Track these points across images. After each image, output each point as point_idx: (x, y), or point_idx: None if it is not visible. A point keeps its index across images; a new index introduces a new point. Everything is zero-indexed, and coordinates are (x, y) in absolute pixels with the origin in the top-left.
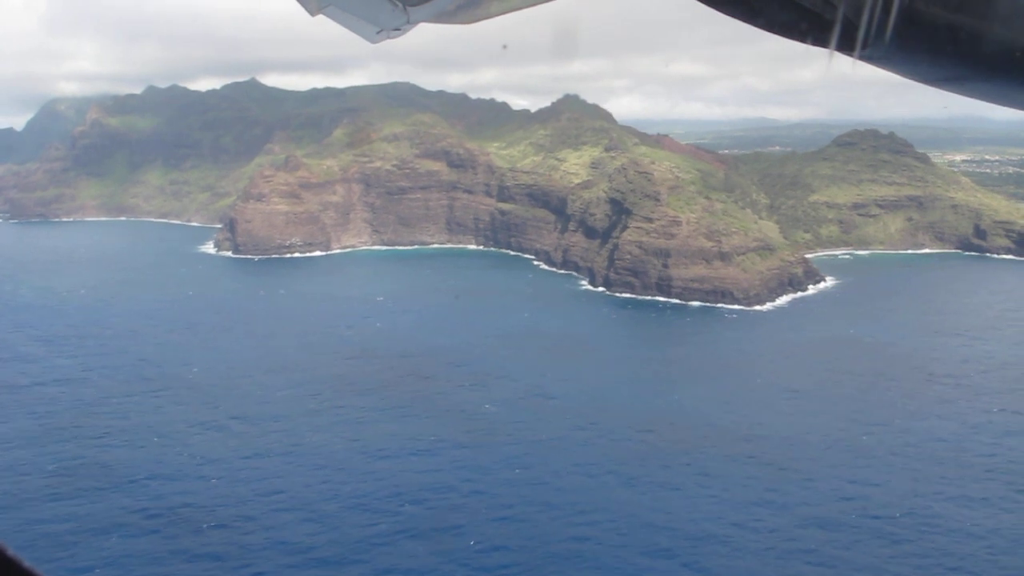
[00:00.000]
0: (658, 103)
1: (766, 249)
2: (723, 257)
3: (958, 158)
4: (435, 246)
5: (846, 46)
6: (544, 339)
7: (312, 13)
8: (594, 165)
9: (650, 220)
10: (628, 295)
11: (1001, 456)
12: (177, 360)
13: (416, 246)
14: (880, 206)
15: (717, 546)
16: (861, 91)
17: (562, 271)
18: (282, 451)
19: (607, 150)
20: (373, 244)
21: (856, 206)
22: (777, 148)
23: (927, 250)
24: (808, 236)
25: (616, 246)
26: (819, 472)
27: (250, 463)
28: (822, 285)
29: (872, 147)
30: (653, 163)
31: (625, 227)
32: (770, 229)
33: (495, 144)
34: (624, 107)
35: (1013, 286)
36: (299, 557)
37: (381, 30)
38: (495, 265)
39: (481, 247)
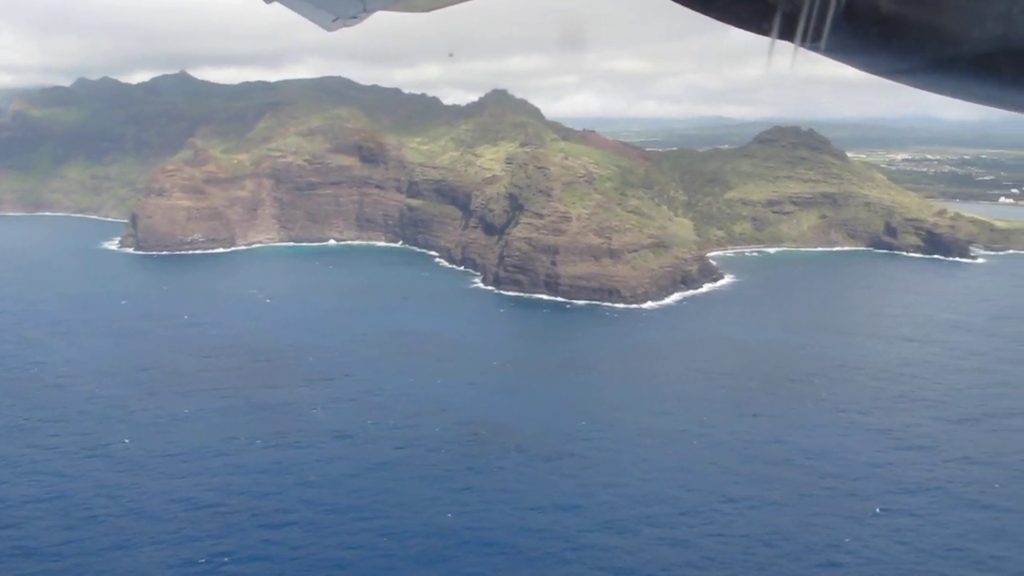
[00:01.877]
0: (613, 101)
1: (661, 246)
2: (612, 254)
3: (899, 156)
4: (343, 243)
5: (799, 37)
6: (410, 339)
7: (267, 0)
8: (509, 161)
9: (541, 216)
10: (516, 293)
11: (815, 461)
12: (24, 359)
13: (325, 242)
14: (795, 203)
15: (490, 555)
16: (816, 90)
17: (460, 268)
18: (76, 451)
19: (523, 145)
20: (280, 240)
21: (771, 203)
22: (727, 146)
23: (839, 248)
24: (721, 233)
25: (507, 243)
26: (632, 473)
27: (38, 465)
28: (718, 283)
29: (791, 144)
30: (567, 159)
31: (517, 223)
32: (684, 226)
33: (417, 139)
34: (579, 105)
35: (912, 284)
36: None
37: (337, 18)
38: (396, 262)
39: (390, 244)
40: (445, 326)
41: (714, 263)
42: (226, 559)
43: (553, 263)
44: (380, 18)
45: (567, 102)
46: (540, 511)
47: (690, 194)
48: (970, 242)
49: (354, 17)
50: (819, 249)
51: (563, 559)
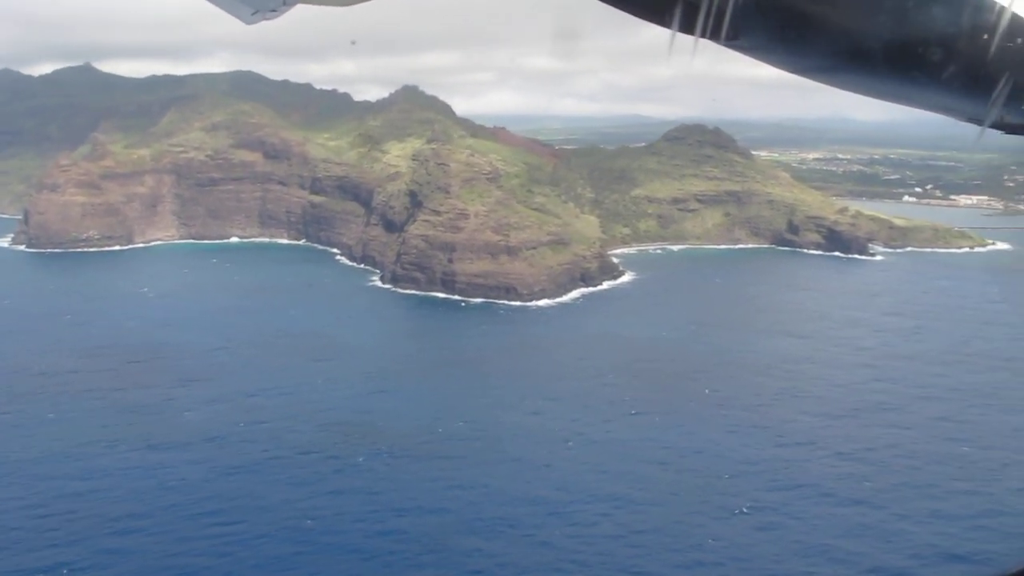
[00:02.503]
0: (533, 99)
1: (560, 244)
2: (510, 252)
3: (811, 156)
4: (246, 240)
5: (699, 29)
6: (297, 339)
7: None
8: (414, 158)
9: (438, 213)
10: (413, 291)
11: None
12: None
13: (227, 240)
14: (700, 201)
15: (345, 560)
16: (733, 89)
17: (361, 266)
18: None
19: (429, 142)
20: (181, 238)
21: (676, 200)
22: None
23: (742, 245)
24: (627, 230)
25: (404, 240)
26: (502, 474)
27: None
28: (618, 281)
29: (698, 142)
30: (473, 155)
31: (416, 221)
32: (590, 223)
33: (325, 135)
34: (498, 103)
35: (808, 281)
36: None
37: (256, 11)
38: (295, 260)
39: (293, 241)
40: (335, 325)
41: (616, 260)
42: (65, 571)
43: (450, 261)
44: (297, 12)
45: (486, 99)
46: (403, 514)
47: (597, 191)
48: (870, 239)
49: (274, 11)
50: (723, 247)
51: (419, 563)
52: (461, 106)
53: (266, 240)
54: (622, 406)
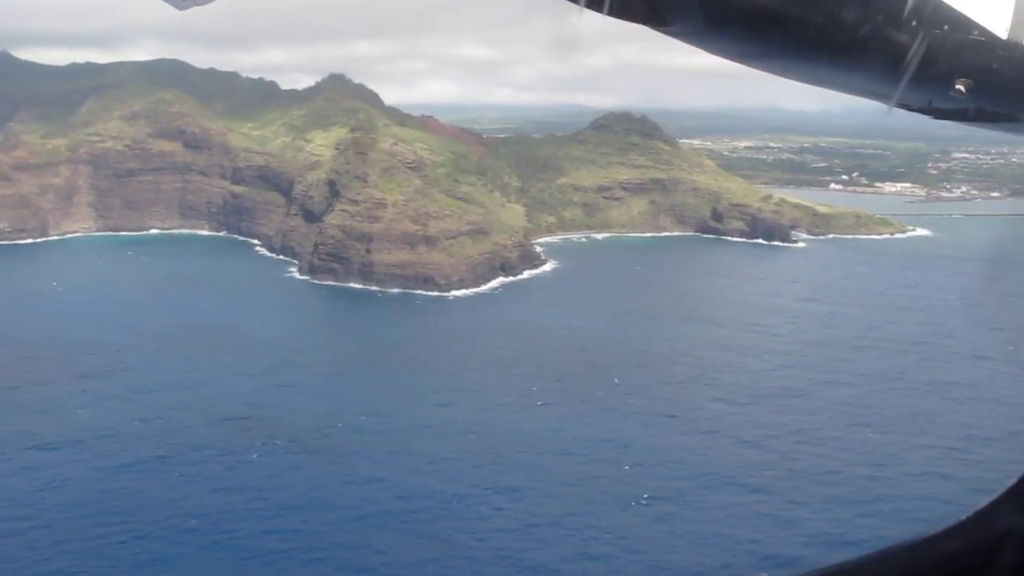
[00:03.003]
0: (470, 88)
1: (480, 233)
2: (428, 241)
3: (743, 144)
4: (165, 232)
5: (647, 18)
6: (204, 332)
7: None
8: (338, 147)
9: (356, 203)
10: (330, 282)
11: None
12: None
13: (146, 232)
14: (625, 189)
15: (227, 559)
16: (670, 78)
17: (280, 257)
18: None
19: (353, 131)
20: (97, 230)
21: (602, 189)
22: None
23: (667, 233)
24: (552, 219)
25: (321, 231)
26: (400, 467)
27: None
28: (539, 270)
29: (625, 130)
30: (396, 144)
31: (333, 211)
32: (516, 212)
33: (250, 124)
34: (435, 92)
35: (729, 268)
36: None
37: None
38: (213, 252)
39: (214, 232)
40: (245, 318)
41: (539, 249)
42: None
43: (367, 251)
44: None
45: (422, 89)
46: (292, 511)
47: (524, 180)
48: (793, 227)
49: None
50: (648, 234)
51: (306, 560)
52: (396, 96)
53: (187, 232)
54: (530, 396)
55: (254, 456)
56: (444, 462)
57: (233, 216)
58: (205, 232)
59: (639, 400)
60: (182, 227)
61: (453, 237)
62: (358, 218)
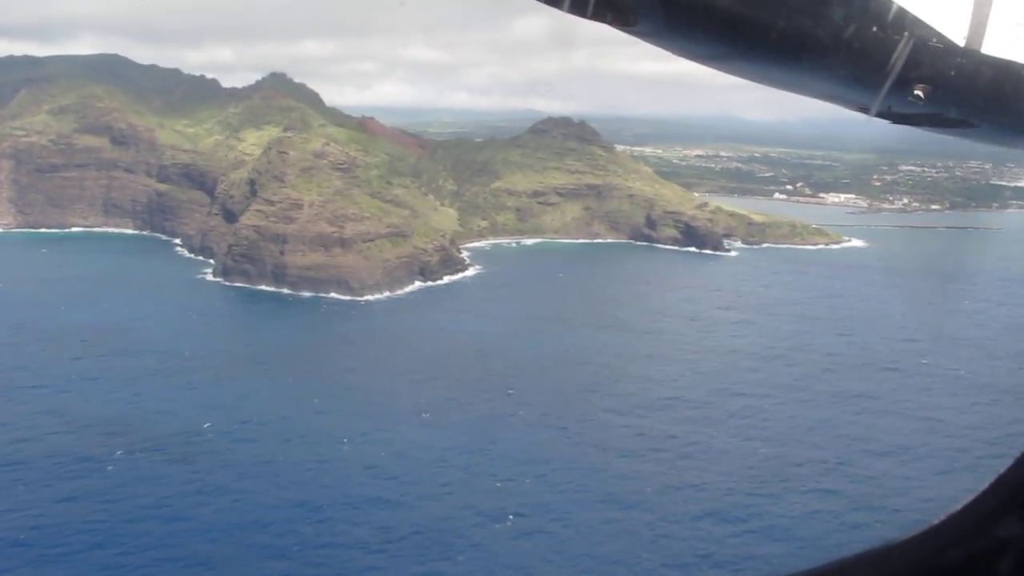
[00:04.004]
0: (426, 92)
1: (400, 236)
2: (344, 244)
3: (694, 152)
4: (88, 229)
5: (611, 18)
6: (96, 335)
7: None
8: (270, 146)
9: (271, 203)
10: (243, 284)
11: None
12: None
13: (68, 229)
14: (560, 194)
15: None
16: (628, 85)
17: (199, 257)
18: None
19: (285, 130)
20: (17, 226)
21: (536, 194)
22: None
23: (600, 239)
24: (485, 223)
25: (236, 231)
26: (257, 479)
27: None
28: (461, 275)
29: (563, 135)
30: (328, 145)
31: (249, 211)
32: (448, 216)
33: (184, 121)
34: (389, 95)
35: (656, 275)
36: None
37: None
38: (132, 251)
39: (137, 231)
40: (144, 320)
41: (466, 254)
42: None
43: (281, 253)
44: None
45: (377, 91)
46: (137, 522)
47: (459, 183)
48: (728, 235)
49: None
50: (580, 241)
51: None
52: (352, 98)
53: (111, 230)
54: (417, 406)
55: (109, 468)
56: (311, 472)
57: (157, 215)
58: (129, 231)
59: (529, 412)
60: (106, 225)
61: (371, 240)
62: (273, 219)
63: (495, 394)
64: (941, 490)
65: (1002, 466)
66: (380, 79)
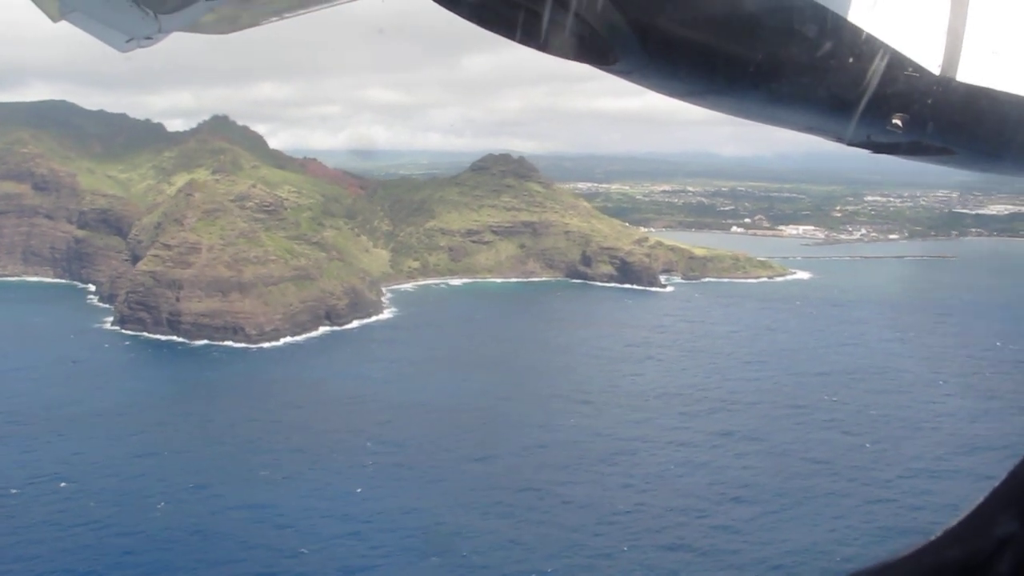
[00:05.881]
0: (399, 133)
1: (306, 279)
2: (242, 288)
3: (660, 188)
4: (4, 278)
5: (597, 59)
6: None
7: (54, 19)
8: (181, 189)
9: (168, 247)
10: (139, 332)
11: None
12: None
13: None
14: (495, 232)
15: None
16: (606, 123)
17: (107, 305)
18: None
19: (214, 173)
20: None
21: (470, 232)
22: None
23: (535, 278)
24: (416, 264)
25: (133, 278)
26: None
27: None
28: (373, 319)
29: (501, 172)
30: (255, 187)
31: (146, 256)
32: (380, 257)
33: (120, 166)
34: (363, 137)
35: (579, 315)
36: None
37: (131, 39)
38: (41, 299)
39: (56, 279)
40: (19, 371)
41: (386, 296)
42: None
43: (177, 299)
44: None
45: (349, 133)
46: None
47: (395, 224)
48: (668, 270)
49: (149, 38)
50: (513, 280)
51: None
52: (323, 141)
53: (30, 279)
54: (259, 461)
55: None
56: (107, 528)
57: (75, 262)
58: (49, 279)
59: (383, 466)
60: (25, 273)
61: (274, 283)
62: (169, 263)
63: (351, 448)
64: (800, 542)
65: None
66: (349, 121)
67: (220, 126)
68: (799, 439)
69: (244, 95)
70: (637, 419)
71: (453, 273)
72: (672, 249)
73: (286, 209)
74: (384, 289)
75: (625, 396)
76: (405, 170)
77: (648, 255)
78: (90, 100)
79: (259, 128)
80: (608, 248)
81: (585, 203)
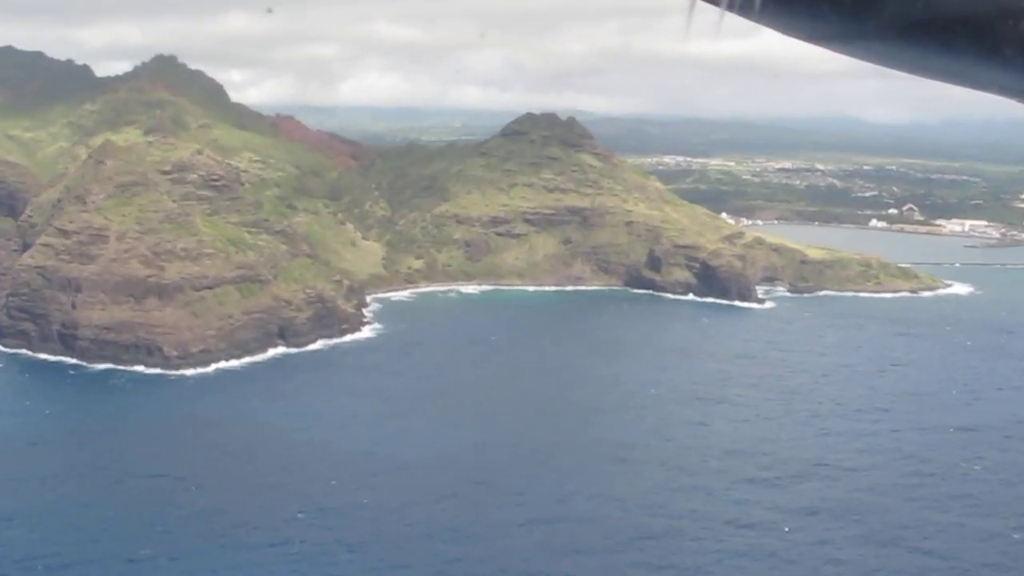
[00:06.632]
0: (425, 86)
1: (255, 281)
2: (163, 292)
3: (777, 165)
4: None
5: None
6: None
7: None
8: (91, 155)
9: (65, 234)
10: (18, 350)
11: None
12: None
13: None
14: (529, 221)
15: None
16: (709, 78)
17: None
18: None
19: (147, 133)
20: None
21: (496, 221)
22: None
23: (582, 286)
24: (419, 263)
25: (15, 275)
26: None
27: None
28: (346, 338)
29: (543, 138)
30: (201, 153)
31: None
32: (370, 253)
33: (25, 123)
34: (382, 90)
35: (626, 341)
36: None
37: None
38: None
39: None
40: None
41: (371, 308)
42: None
43: (73, 306)
44: None
45: (358, 85)
46: None
47: (395, 208)
48: (769, 278)
49: None
50: (551, 288)
51: None
52: (321, 96)
53: None
54: (150, 532)
55: None
56: None
57: None
58: None
59: (311, 548)
60: None
61: (209, 287)
62: (65, 256)
63: (277, 518)
64: None
65: None
66: (352, 68)
67: (164, 70)
68: (916, 522)
69: (209, 29)
70: (688, 486)
71: (469, 277)
72: (777, 249)
73: (243, 185)
74: (369, 298)
75: (677, 453)
76: (431, 135)
77: (741, 257)
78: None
79: (233, 76)
80: (685, 246)
81: (657, 183)
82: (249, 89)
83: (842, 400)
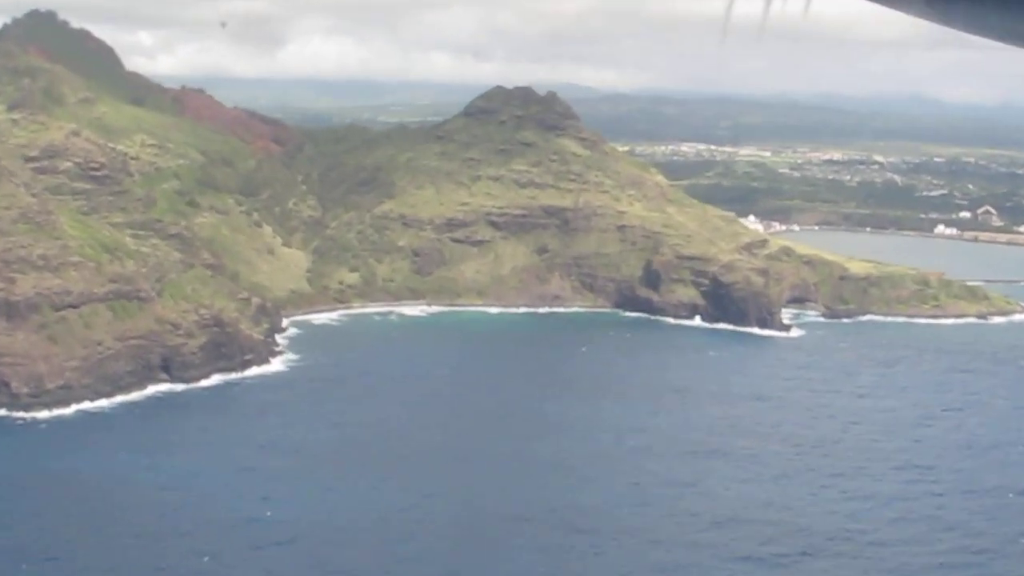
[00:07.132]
0: (384, 52)
1: (132, 299)
2: (12, 312)
3: (827, 156)
4: None
5: None
6: None
7: None
8: None
9: None
10: None
11: None
12: None
13: None
14: (495, 225)
15: None
16: (741, 45)
17: None
18: None
19: (11, 109)
20: None
21: (452, 224)
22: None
23: (561, 307)
24: (354, 277)
25: None
26: None
27: None
28: (255, 370)
29: (516, 119)
30: (78, 135)
31: None
32: (291, 263)
33: None
34: (330, 58)
35: (635, 375)
36: None
37: None
38: None
39: None
40: None
41: (287, 333)
42: None
43: None
44: None
45: (303, 49)
46: None
47: (326, 206)
48: (799, 299)
49: None
50: (521, 310)
51: None
52: (259, 64)
53: None
54: None
55: None
56: None
57: None
58: None
59: None
60: None
61: (73, 306)
62: None
63: None
64: None
65: None
66: (294, 30)
67: (39, 28)
68: None
69: None
70: (661, 565)
71: (416, 295)
72: (810, 262)
73: (131, 176)
74: (286, 321)
75: (653, 522)
76: (389, 114)
77: (763, 272)
78: None
79: (141, 38)
80: (692, 258)
81: (659, 177)
82: (160, 55)
83: (875, 455)
